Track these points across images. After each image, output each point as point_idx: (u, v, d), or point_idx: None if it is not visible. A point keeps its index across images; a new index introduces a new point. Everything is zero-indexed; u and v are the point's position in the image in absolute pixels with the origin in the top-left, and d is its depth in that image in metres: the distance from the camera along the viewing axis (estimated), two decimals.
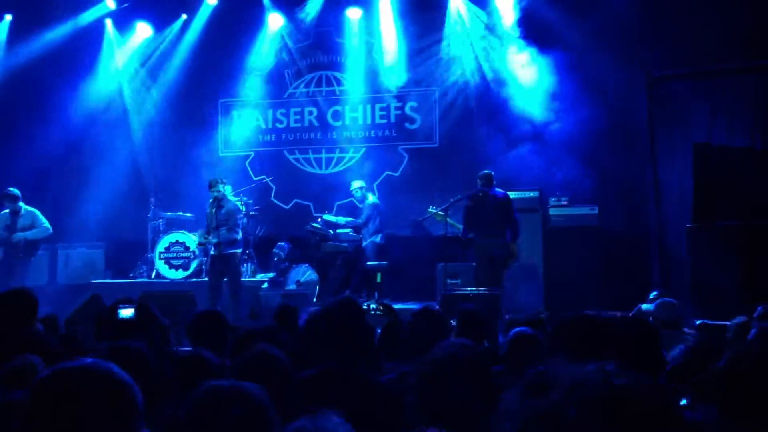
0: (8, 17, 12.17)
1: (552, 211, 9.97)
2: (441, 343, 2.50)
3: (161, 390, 2.71)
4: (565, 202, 10.00)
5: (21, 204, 9.69)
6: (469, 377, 2.04)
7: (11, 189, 9.65)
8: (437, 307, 3.98)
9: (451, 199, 9.25)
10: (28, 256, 9.75)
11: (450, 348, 2.16)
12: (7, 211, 9.67)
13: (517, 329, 3.24)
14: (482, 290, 7.89)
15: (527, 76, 10.79)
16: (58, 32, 12.02)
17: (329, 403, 2.18)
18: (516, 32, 10.91)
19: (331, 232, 10.63)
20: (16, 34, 12.19)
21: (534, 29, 10.78)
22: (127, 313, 3.56)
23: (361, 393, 2.69)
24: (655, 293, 6.86)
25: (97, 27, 12.39)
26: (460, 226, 9.27)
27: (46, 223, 9.82)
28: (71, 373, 1.59)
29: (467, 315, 4.58)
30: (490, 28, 11.22)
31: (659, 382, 2.60)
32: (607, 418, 1.14)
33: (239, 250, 9.56)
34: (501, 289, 8.44)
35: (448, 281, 9.38)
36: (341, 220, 10.86)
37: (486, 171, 9.19)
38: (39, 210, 9.94)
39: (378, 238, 10.47)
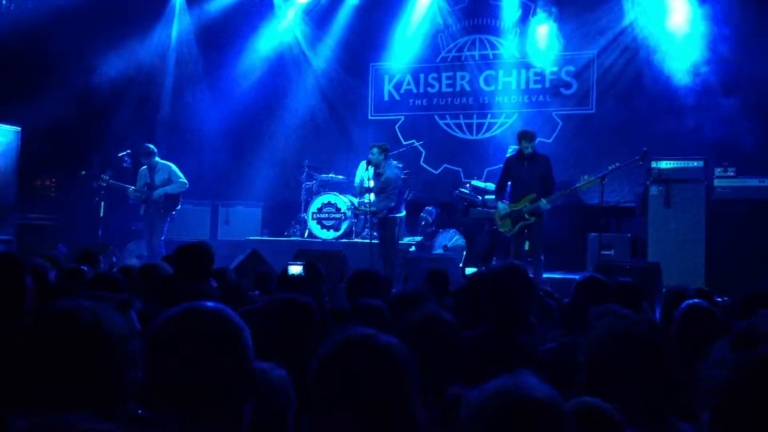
0: None
1: (717, 182, 9.31)
2: (607, 318, 2.36)
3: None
4: (732, 173, 9.31)
5: (157, 159, 9.86)
6: (647, 358, 1.91)
7: (148, 145, 9.88)
8: (600, 276, 3.80)
9: (610, 167, 8.84)
10: (168, 211, 9.83)
11: (622, 324, 2.01)
12: (145, 167, 9.85)
13: (690, 302, 3.00)
14: (641, 261, 7.52)
15: (689, 34, 10.17)
16: None
17: (490, 365, 2.13)
18: None
19: (480, 198, 10.52)
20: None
21: None
22: (296, 269, 3.72)
23: (523, 360, 2.63)
24: None
25: None
26: None
27: (183, 177, 9.91)
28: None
29: (624, 287, 4.37)
30: None
31: None
32: None
33: (398, 215, 9.47)
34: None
35: (602, 252, 9.04)
36: (490, 186, 10.71)
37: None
38: (189, 167, 10.19)
39: None
